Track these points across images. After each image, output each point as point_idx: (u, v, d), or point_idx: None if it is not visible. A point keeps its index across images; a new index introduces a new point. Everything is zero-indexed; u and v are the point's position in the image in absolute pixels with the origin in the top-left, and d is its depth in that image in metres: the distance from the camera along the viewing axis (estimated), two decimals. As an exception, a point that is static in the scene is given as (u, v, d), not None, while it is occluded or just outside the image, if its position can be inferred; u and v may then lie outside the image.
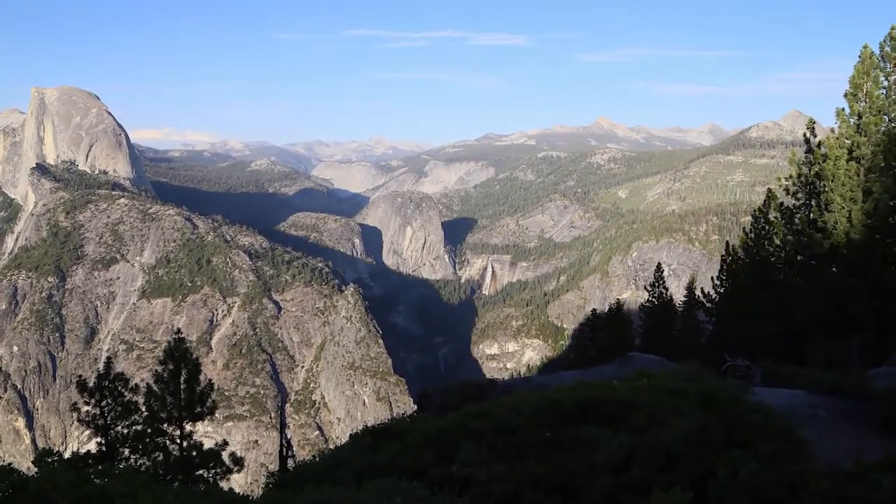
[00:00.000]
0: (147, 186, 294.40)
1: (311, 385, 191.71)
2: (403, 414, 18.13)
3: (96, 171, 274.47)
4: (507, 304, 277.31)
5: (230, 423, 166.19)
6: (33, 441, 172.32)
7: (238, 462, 23.89)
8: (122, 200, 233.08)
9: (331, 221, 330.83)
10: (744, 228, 39.27)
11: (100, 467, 11.24)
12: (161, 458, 21.93)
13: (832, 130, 25.77)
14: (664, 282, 51.93)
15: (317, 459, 13.35)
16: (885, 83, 25.31)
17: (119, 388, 22.36)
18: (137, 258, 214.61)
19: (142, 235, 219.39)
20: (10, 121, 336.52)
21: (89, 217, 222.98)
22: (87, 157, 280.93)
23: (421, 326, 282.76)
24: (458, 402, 15.75)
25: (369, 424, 14.07)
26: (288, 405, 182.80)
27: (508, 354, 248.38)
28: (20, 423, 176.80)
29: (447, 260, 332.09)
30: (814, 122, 27.29)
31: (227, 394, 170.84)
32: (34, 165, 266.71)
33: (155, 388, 23.17)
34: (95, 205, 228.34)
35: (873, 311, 24.24)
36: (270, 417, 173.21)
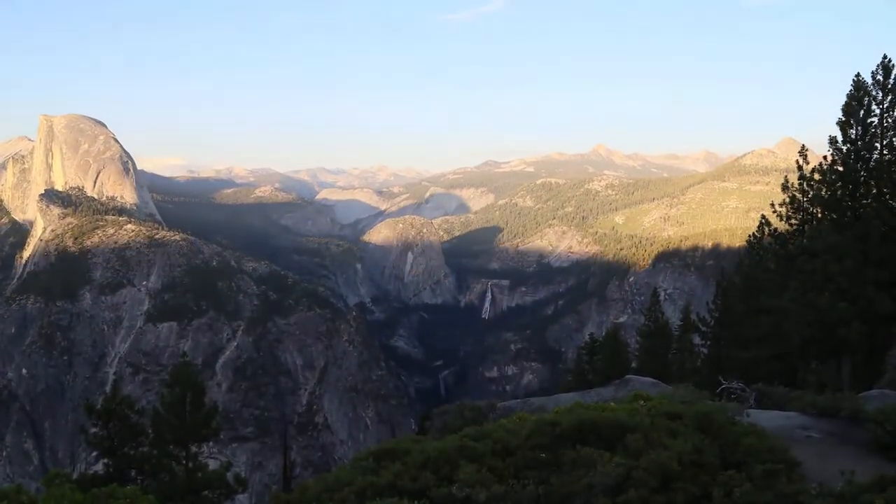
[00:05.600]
0: (153, 212, 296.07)
1: (314, 407, 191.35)
2: (405, 436, 18.35)
3: (104, 198, 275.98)
4: (507, 328, 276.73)
5: (235, 445, 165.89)
6: (42, 462, 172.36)
7: (242, 483, 24.08)
8: (129, 226, 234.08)
9: (333, 246, 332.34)
10: (739, 253, 39.69)
11: (107, 488, 11.47)
12: (167, 479, 22.14)
13: (825, 157, 26.20)
14: (660, 306, 52.19)
15: (320, 480, 13.56)
16: (877, 111, 25.83)
17: (126, 411, 22.65)
18: (144, 283, 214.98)
19: (148, 260, 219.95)
20: (19, 148, 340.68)
21: (97, 242, 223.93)
22: (95, 183, 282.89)
23: (422, 350, 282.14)
24: (458, 425, 15.98)
25: (371, 446, 14.28)
26: (291, 427, 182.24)
27: (508, 377, 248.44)
28: (29, 444, 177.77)
29: (447, 284, 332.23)
30: (807, 150, 27.81)
31: (231, 416, 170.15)
32: (43, 191, 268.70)
33: (161, 410, 23.47)
34: (103, 230, 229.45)
35: (865, 335, 24.41)
36: (274, 439, 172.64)
